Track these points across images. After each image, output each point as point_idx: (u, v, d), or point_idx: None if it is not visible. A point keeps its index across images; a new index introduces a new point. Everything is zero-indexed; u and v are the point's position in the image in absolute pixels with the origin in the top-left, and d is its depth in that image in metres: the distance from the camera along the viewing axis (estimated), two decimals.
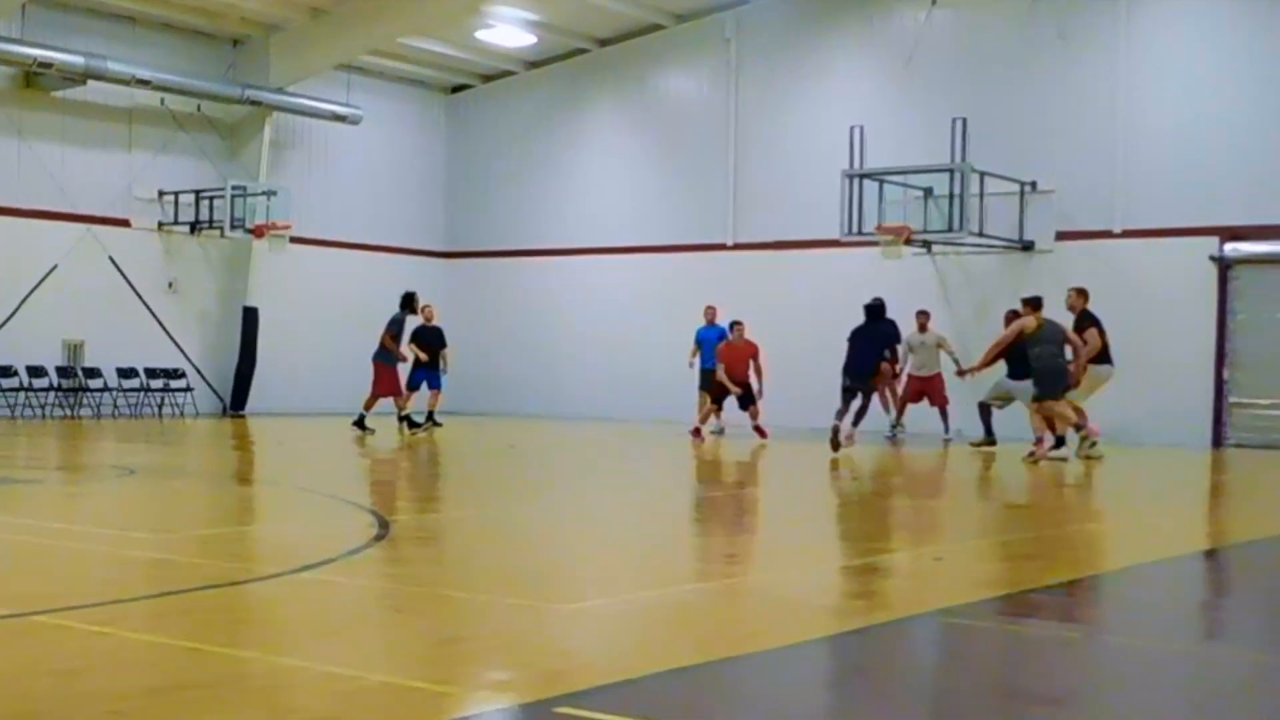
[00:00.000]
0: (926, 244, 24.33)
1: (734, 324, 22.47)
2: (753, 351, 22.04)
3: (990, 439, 20.60)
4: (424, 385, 22.96)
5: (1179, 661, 6.37)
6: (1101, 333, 18.68)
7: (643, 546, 10.07)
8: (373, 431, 21.95)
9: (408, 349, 22.37)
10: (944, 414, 22.58)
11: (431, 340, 22.94)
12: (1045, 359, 18.22)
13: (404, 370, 22.64)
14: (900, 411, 22.85)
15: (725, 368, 22.07)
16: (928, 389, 22.66)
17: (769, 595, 7.79)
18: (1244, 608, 8.12)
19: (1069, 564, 9.30)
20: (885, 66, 26.36)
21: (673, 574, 8.58)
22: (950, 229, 22.82)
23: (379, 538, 9.39)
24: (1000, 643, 6.65)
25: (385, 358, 22.12)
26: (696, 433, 22.27)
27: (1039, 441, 18.23)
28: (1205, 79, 23.58)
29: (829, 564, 9.28)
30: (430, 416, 22.65)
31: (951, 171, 22.61)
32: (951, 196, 22.66)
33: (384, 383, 22.14)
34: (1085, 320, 18.71)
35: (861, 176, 23.35)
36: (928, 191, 23.54)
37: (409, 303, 22.31)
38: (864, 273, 24.68)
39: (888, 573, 8.76)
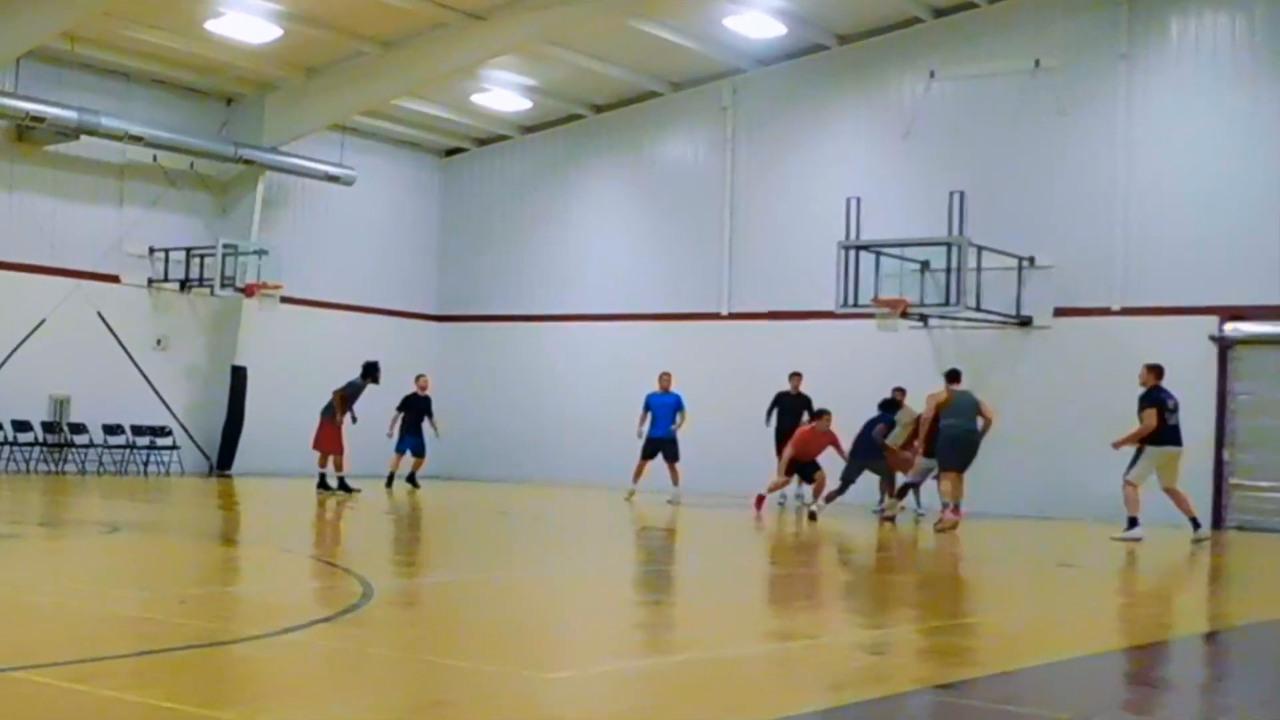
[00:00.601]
0: (923, 317, 24.43)
1: (821, 412, 21.93)
2: (833, 441, 21.74)
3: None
4: (408, 451, 24.31)
5: None
6: (1163, 412, 18.56)
7: (630, 614, 10.11)
8: (358, 490, 22.12)
9: (347, 418, 22.58)
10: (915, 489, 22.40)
11: (422, 408, 24.30)
12: (950, 430, 19.53)
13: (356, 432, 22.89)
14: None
15: (798, 453, 21.71)
16: (899, 463, 22.51)
17: (761, 668, 7.78)
18: (1243, 689, 8.11)
19: (1061, 644, 9.27)
20: (883, 137, 26.55)
21: (660, 643, 8.61)
22: (947, 303, 22.92)
23: (362, 601, 9.40)
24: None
25: (330, 414, 22.46)
26: (759, 502, 22.08)
27: (948, 509, 19.25)
28: (1208, 155, 23.75)
29: (829, 637, 9.29)
30: (411, 479, 24.19)
31: (949, 245, 22.69)
32: (949, 270, 22.77)
33: (324, 438, 22.47)
34: (1145, 400, 18.75)
35: (858, 248, 23.40)
36: (925, 265, 23.69)
37: (370, 372, 22.67)
38: (860, 345, 24.83)
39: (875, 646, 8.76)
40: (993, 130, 25.44)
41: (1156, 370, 18.98)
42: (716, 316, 28.32)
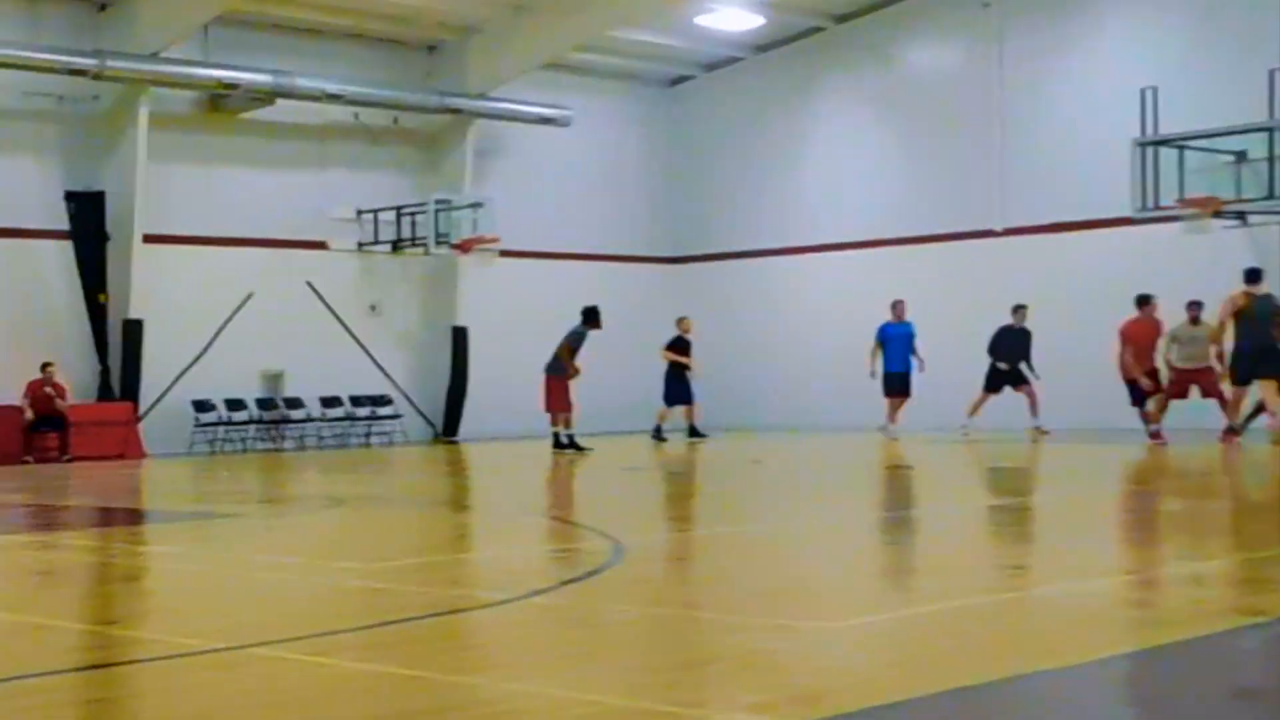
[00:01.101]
0: (1240, 215, 23.53)
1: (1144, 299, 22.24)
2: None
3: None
4: (680, 402, 26.09)
5: None
6: None
7: (910, 560, 10.00)
8: (589, 449, 22.62)
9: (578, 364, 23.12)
10: (1222, 404, 21.93)
11: (684, 352, 26.02)
12: (1240, 343, 19.95)
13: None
14: (1162, 409, 22.12)
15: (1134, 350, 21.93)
16: (1199, 381, 22.03)
17: (1059, 608, 7.63)
18: None
19: None
20: (1175, 16, 25.78)
21: (946, 588, 8.45)
22: (1272, 196, 22.03)
23: (613, 559, 9.48)
24: None
25: (559, 370, 22.94)
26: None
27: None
28: None
29: (1130, 574, 9.09)
30: (693, 430, 26.04)
31: (1271, 130, 21.88)
32: (1272, 159, 21.91)
33: (554, 397, 23.04)
34: None
35: (1156, 144, 22.76)
36: (1240, 156, 22.84)
37: (591, 317, 23.20)
38: (1162, 252, 24.06)
39: (1199, 582, 8.54)
40: None
41: None
42: (990, 234, 27.82)
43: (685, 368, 25.99)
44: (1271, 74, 21.89)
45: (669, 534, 12.08)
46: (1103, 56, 26.62)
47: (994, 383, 24.47)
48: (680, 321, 26.39)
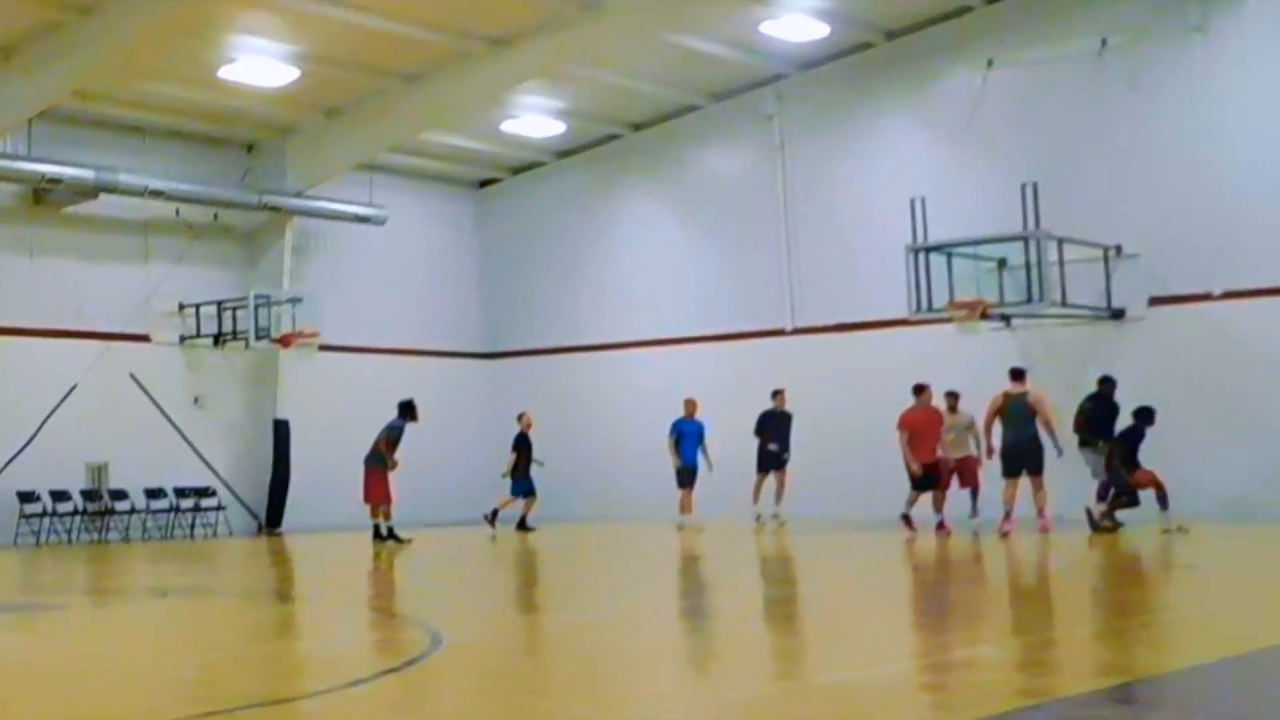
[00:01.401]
0: (1005, 317, 24.20)
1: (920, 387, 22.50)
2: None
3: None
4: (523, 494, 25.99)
5: None
6: None
7: (705, 648, 10.05)
8: (408, 540, 22.30)
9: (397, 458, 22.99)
10: (974, 496, 22.47)
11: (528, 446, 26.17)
12: (1003, 438, 20.73)
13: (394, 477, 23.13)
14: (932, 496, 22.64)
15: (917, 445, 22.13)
16: (959, 470, 22.54)
17: (850, 694, 7.65)
18: None
19: (1184, 649, 9.20)
20: (943, 132, 26.37)
21: (737, 677, 8.47)
22: (1030, 300, 22.62)
23: (430, 649, 9.39)
24: None
25: (378, 462, 22.85)
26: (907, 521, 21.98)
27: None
28: None
29: (917, 659, 9.20)
30: (523, 523, 25.83)
31: (1026, 239, 22.42)
32: (1028, 266, 22.45)
33: (374, 489, 22.91)
34: None
35: (927, 250, 23.16)
36: (1001, 262, 23.41)
37: (408, 410, 23.13)
38: (938, 351, 24.57)
39: (980, 666, 8.67)
40: (1061, 116, 25.20)
41: None
42: (781, 333, 28.20)
43: (527, 462, 26.02)
44: (1024, 187, 22.40)
45: (487, 623, 11.94)
46: (877, 167, 27.15)
47: (764, 464, 24.82)
48: (520, 417, 26.38)
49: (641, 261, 30.27)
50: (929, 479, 21.87)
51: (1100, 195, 24.51)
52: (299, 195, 28.52)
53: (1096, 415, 21.45)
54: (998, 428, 21.12)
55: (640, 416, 28.51)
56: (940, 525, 21.51)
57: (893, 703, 7.26)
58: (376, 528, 22.89)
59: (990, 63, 25.81)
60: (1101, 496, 21.06)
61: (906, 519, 21.75)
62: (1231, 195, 23.60)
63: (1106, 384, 21.72)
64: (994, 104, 25.76)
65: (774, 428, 24.96)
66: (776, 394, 25.15)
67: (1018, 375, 21.26)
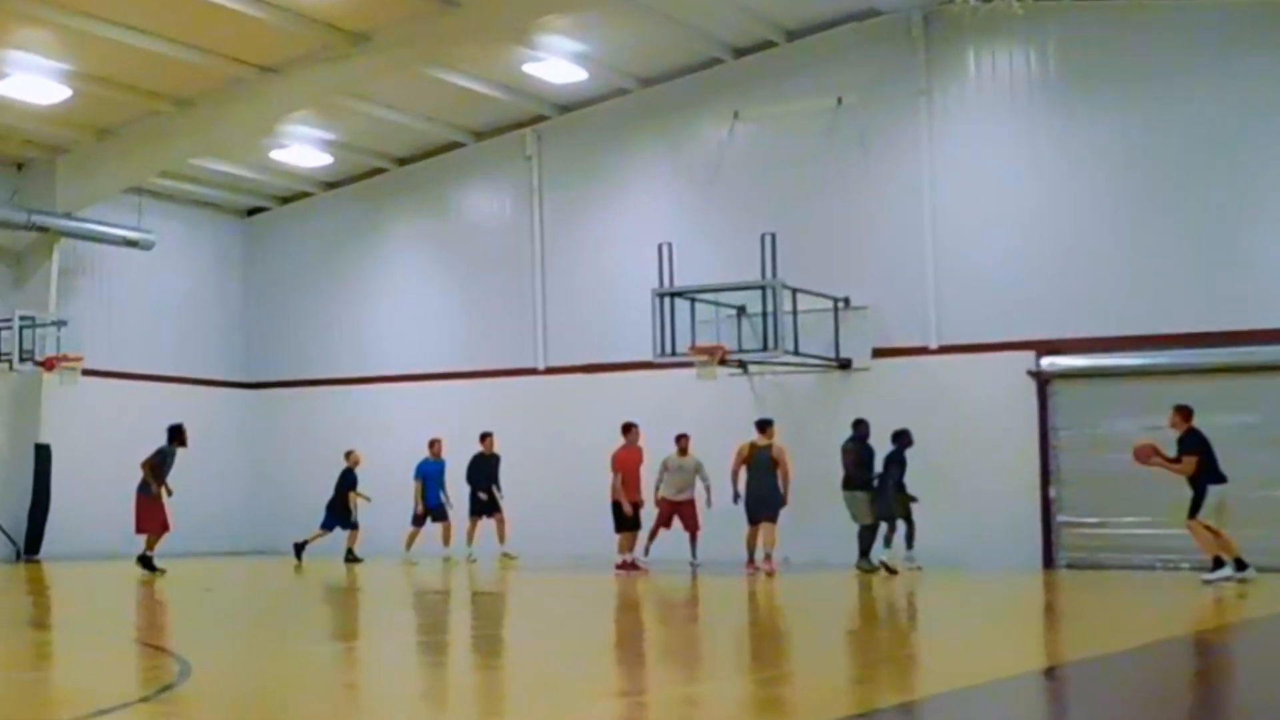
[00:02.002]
0: (742, 364, 24.89)
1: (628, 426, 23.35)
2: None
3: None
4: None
5: None
6: (1210, 452, 19.22)
7: (453, 683, 10.49)
8: (163, 571, 21.96)
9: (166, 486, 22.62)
10: (694, 539, 23.35)
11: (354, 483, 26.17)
12: (748, 485, 21.76)
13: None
14: (652, 537, 23.30)
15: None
16: (679, 512, 23.39)
17: None
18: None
19: (897, 687, 9.86)
20: (691, 180, 27.04)
21: (489, 709, 8.98)
22: (765, 348, 23.24)
23: (179, 679, 9.64)
24: None
25: (146, 489, 22.45)
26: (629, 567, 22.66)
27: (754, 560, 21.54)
28: (1012, 188, 24.61)
29: (636, 696, 9.68)
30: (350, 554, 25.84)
31: (763, 288, 23.09)
32: (765, 315, 23.09)
33: (144, 517, 22.44)
34: (1188, 445, 19.32)
35: (672, 295, 23.67)
36: (741, 310, 24.03)
37: (176, 435, 22.73)
38: (679, 395, 25.23)
39: (707, 704, 9.14)
40: (800, 170, 26.02)
41: (1186, 412, 19.57)
42: (533, 372, 28.61)
43: (349, 498, 26.19)
44: (763, 237, 23.06)
45: (239, 654, 12.22)
46: (629, 211, 27.72)
47: (475, 508, 25.57)
48: (348, 455, 26.46)
49: (401, 296, 30.38)
50: (635, 520, 22.65)
51: (832, 248, 25.34)
52: (68, 216, 28.13)
53: (863, 458, 22.23)
54: (744, 475, 22.03)
55: (393, 452, 28.61)
56: (632, 565, 22.34)
57: None
58: (144, 557, 22.46)
59: (736, 114, 26.63)
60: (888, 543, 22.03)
61: (627, 564, 22.43)
62: (949, 255, 24.74)
63: (861, 426, 22.47)
64: (739, 155, 26.53)
65: (481, 473, 25.60)
66: (485, 437, 25.67)
67: (763, 426, 22.21)
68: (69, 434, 28.19)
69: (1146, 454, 19.40)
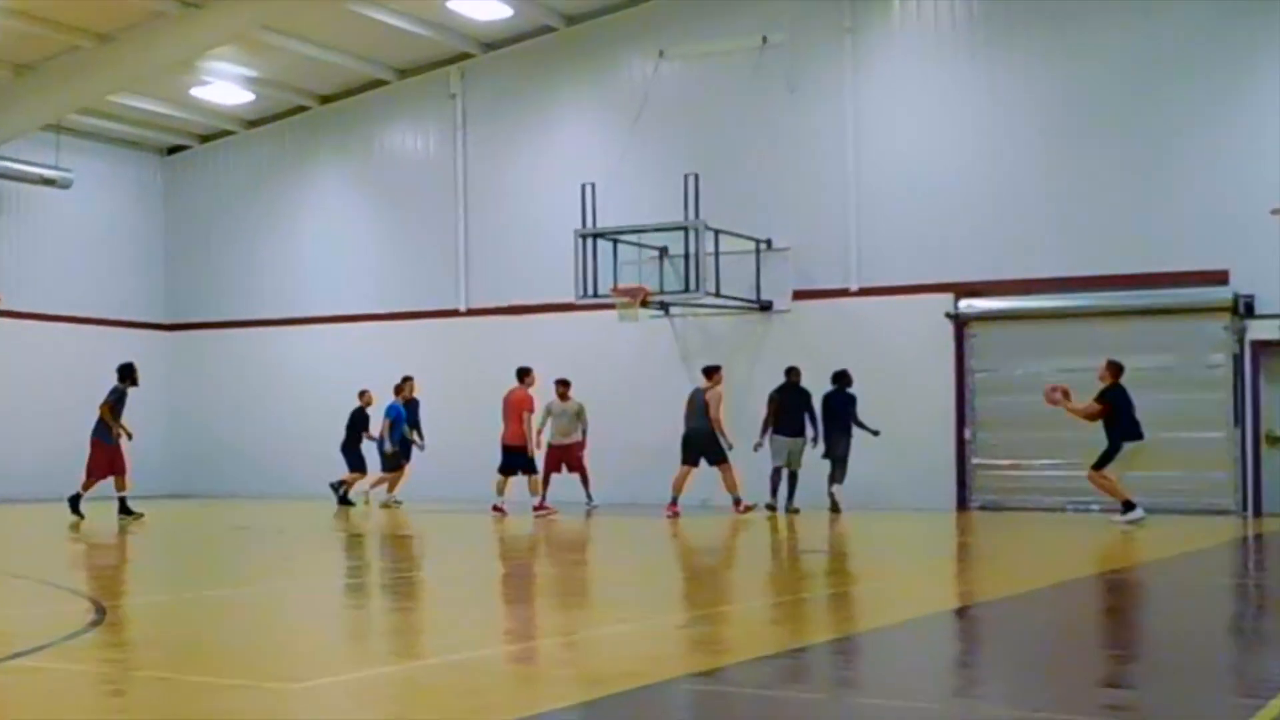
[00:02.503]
0: (664, 306, 24.92)
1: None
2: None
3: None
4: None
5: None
6: (1128, 409, 19.54)
7: (372, 624, 10.45)
8: (82, 517, 21.21)
9: (126, 425, 21.55)
10: (585, 481, 23.54)
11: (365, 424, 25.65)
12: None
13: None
14: (545, 483, 23.25)
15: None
16: (566, 457, 23.52)
17: (506, 668, 8.15)
18: (990, 664, 8.70)
19: (819, 626, 9.94)
20: (616, 120, 26.84)
21: (403, 649, 8.97)
22: (687, 289, 23.35)
23: (95, 622, 9.55)
24: (749, 708, 6.98)
25: (104, 434, 21.35)
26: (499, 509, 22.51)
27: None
28: (934, 131, 24.71)
29: (571, 633, 9.70)
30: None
31: (685, 230, 23.12)
32: (687, 256, 23.19)
33: (99, 461, 21.33)
34: (1107, 397, 19.69)
35: (595, 236, 23.71)
36: (663, 251, 24.13)
37: (128, 374, 21.72)
38: (601, 337, 25.29)
39: (634, 640, 9.18)
40: (725, 110, 25.98)
41: (1116, 368, 19.83)
42: (455, 313, 28.47)
43: (360, 439, 25.84)
44: (686, 178, 23.10)
45: (154, 598, 12.11)
46: (553, 151, 27.58)
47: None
48: (361, 394, 25.95)
49: (324, 237, 30.14)
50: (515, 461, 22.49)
51: (755, 189, 25.34)
52: None
53: (792, 404, 22.38)
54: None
55: (314, 394, 28.55)
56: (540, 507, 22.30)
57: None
58: (123, 501, 21.32)
59: (662, 53, 26.47)
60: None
61: (497, 507, 22.31)
62: (870, 197, 24.84)
63: (793, 373, 22.63)
64: (664, 95, 26.36)
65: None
66: (403, 384, 25.52)
67: (708, 372, 22.29)
68: None
69: (1055, 397, 19.66)
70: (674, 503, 21.79)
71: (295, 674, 7.87)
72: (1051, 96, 23.97)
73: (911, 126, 24.91)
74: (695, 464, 21.93)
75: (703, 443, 21.84)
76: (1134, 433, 19.53)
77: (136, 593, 12.34)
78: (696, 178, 23.17)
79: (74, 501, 21.54)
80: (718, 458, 21.81)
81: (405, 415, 25.39)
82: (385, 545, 18.20)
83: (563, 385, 23.40)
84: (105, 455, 21.33)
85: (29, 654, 8.21)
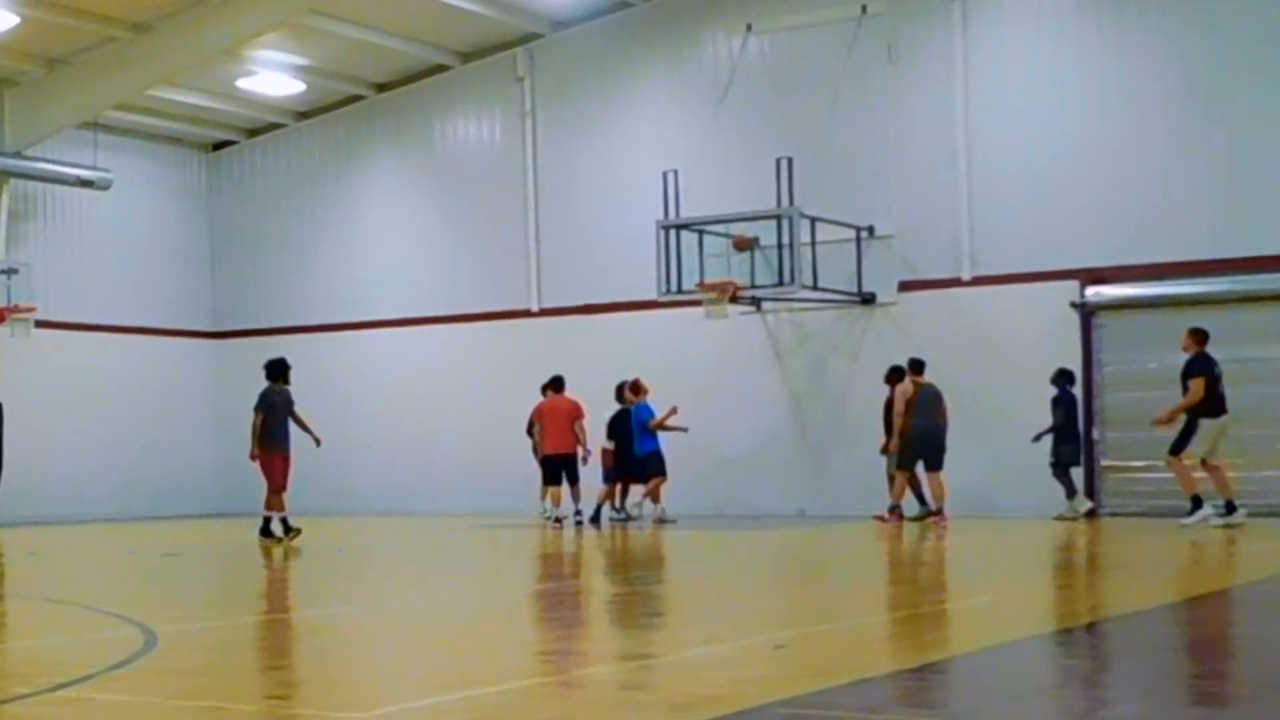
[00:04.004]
0: (755, 301, 24.85)
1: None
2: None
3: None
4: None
5: None
6: (1211, 380, 19.37)
7: (451, 646, 10.46)
8: (299, 531, 20.90)
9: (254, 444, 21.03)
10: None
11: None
12: (916, 428, 21.66)
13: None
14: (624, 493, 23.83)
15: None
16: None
17: (596, 691, 8.14)
18: (1116, 685, 8.44)
19: (923, 647, 9.81)
20: (700, 101, 26.74)
21: (482, 674, 8.94)
22: (780, 283, 23.26)
23: (144, 650, 9.59)
24: None
25: (273, 441, 20.89)
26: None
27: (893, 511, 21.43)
28: (1057, 104, 24.43)
29: (663, 655, 9.66)
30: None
31: (779, 218, 23.04)
32: (780, 246, 23.09)
33: (271, 473, 20.71)
34: (1191, 368, 19.59)
35: (678, 227, 23.71)
36: (754, 241, 24.05)
37: (278, 371, 21.00)
38: (686, 336, 25.24)
39: (728, 664, 9.09)
40: (819, 87, 25.66)
41: (1199, 335, 19.70)
42: (526, 314, 28.54)
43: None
44: (778, 162, 22.98)
45: (205, 623, 12.15)
46: (630, 136, 27.62)
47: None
48: (634, 387, 25.12)
49: (382, 235, 30.31)
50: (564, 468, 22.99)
51: (855, 173, 25.23)
52: (17, 155, 28.06)
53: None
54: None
55: (374, 402, 28.61)
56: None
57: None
58: (267, 521, 20.81)
59: (749, 27, 26.34)
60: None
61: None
62: (984, 178, 24.62)
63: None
64: (752, 72, 26.24)
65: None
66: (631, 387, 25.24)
67: (917, 367, 22.52)
68: (20, 390, 27.71)
69: (1161, 419, 19.43)
70: (939, 511, 21.96)
71: (360, 702, 7.86)
72: (1183, 62, 23.66)
73: (1027, 99, 24.70)
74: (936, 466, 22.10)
75: (938, 443, 22.06)
76: (1215, 409, 19.10)
77: (191, 618, 12.35)
78: (789, 161, 23.08)
79: (282, 525, 20.81)
80: (940, 462, 22.00)
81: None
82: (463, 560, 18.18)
83: (633, 389, 23.51)
84: (272, 465, 20.77)
85: (71, 685, 8.25)
